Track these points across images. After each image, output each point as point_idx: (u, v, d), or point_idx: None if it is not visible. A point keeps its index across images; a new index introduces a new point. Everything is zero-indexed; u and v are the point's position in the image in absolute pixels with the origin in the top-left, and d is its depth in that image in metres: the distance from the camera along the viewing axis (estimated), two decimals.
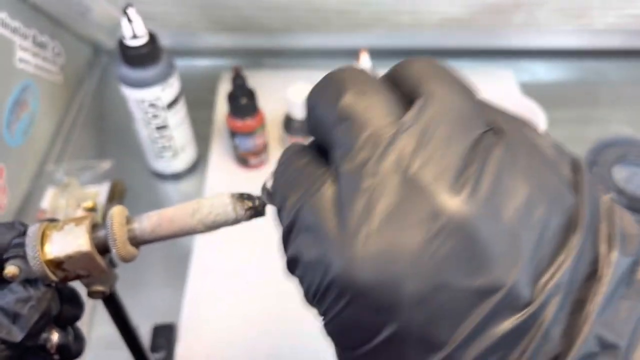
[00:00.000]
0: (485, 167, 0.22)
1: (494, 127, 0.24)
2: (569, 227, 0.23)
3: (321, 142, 0.27)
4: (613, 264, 0.22)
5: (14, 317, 0.35)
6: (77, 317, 0.41)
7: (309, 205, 0.25)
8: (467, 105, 0.25)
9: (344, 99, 0.25)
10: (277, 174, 0.29)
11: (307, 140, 0.30)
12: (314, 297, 0.25)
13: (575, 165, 0.25)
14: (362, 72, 0.27)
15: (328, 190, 0.25)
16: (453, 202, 0.21)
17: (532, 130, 0.26)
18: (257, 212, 0.38)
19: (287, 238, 0.26)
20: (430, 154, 0.22)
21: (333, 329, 0.25)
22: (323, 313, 0.25)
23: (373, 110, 0.24)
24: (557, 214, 0.23)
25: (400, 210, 0.22)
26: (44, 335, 0.37)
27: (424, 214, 0.22)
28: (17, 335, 0.35)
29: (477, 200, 0.22)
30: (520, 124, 0.26)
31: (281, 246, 0.27)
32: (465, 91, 0.26)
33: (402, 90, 0.26)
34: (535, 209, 0.22)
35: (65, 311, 0.39)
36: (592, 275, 0.22)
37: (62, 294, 0.40)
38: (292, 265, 0.26)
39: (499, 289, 0.21)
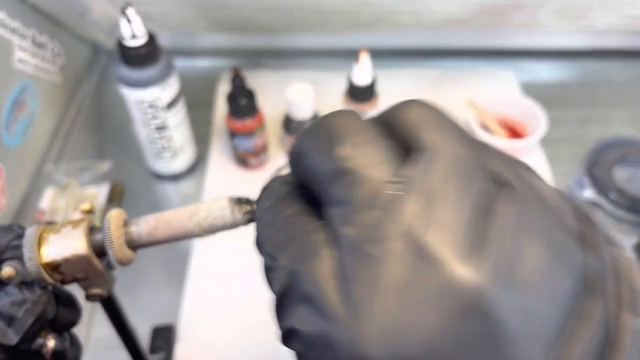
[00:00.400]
0: (494, 230, 0.21)
1: (497, 178, 0.23)
2: (583, 290, 0.21)
3: (312, 190, 0.25)
4: (631, 331, 0.21)
5: (9, 320, 0.35)
6: (74, 322, 0.41)
7: (306, 273, 0.22)
8: (469, 157, 0.23)
9: (340, 151, 0.23)
10: (263, 222, 0.27)
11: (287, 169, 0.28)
12: None
13: (580, 214, 0.23)
14: (356, 118, 0.25)
15: (327, 256, 0.22)
16: (465, 274, 0.20)
17: (533, 175, 0.24)
18: (255, 215, 0.37)
19: (280, 305, 0.24)
20: (437, 216, 0.21)
21: None
22: None
23: (372, 164, 0.23)
24: (570, 275, 0.21)
25: (410, 283, 0.20)
26: (40, 340, 0.37)
27: (436, 288, 0.20)
28: (12, 338, 0.35)
29: (489, 270, 0.20)
30: (521, 169, 0.24)
31: (273, 312, 0.25)
32: (465, 139, 0.24)
33: (399, 138, 0.24)
34: (549, 273, 0.21)
35: (62, 316, 0.39)
36: (605, 342, 0.21)
37: (59, 298, 0.39)
38: (289, 338, 0.24)
39: None
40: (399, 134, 0.24)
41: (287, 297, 0.23)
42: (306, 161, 0.25)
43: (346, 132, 0.24)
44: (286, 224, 0.25)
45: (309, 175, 0.25)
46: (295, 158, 0.26)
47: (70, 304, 0.41)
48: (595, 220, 0.23)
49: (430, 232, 0.20)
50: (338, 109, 0.26)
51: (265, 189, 0.29)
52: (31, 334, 0.36)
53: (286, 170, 0.33)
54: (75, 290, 0.41)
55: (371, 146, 0.23)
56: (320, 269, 0.22)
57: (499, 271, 0.20)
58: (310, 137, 0.25)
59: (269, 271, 0.25)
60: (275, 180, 0.29)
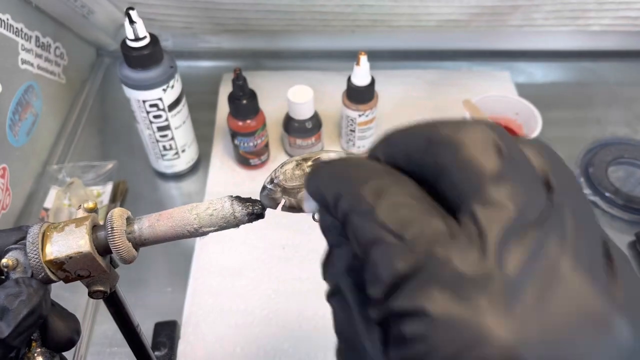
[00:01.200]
0: (625, 277, 0.22)
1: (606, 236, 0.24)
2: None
3: (426, 175, 0.25)
4: None
5: (2, 313, 0.35)
6: (71, 341, 0.40)
7: (448, 256, 0.22)
8: (591, 209, 0.25)
9: (505, 162, 0.23)
10: (362, 193, 0.24)
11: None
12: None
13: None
14: (507, 133, 0.25)
15: (472, 249, 0.22)
16: (611, 308, 0.21)
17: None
18: (255, 211, 0.38)
19: (402, 283, 0.22)
20: (583, 253, 0.22)
21: None
22: None
23: (529, 183, 0.23)
24: None
25: (559, 300, 0.21)
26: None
27: (583, 311, 0.21)
28: (3, 330, 0.34)
29: (629, 309, 0.22)
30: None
31: (381, 288, 0.23)
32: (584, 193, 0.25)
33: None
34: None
35: (59, 331, 0.39)
36: None
37: (60, 313, 0.40)
38: (403, 317, 0.22)
39: None
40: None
41: (415, 278, 0.22)
42: (450, 155, 0.24)
43: (504, 145, 0.24)
44: (408, 203, 0.24)
45: (447, 168, 0.24)
46: (423, 145, 0.25)
47: (70, 320, 0.40)
48: None
49: (577, 263, 0.22)
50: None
51: (341, 162, 0.27)
52: (23, 329, 0.35)
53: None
54: (78, 287, 0.41)
55: (526, 166, 0.24)
56: (466, 260, 0.21)
57: (628, 308, 0.21)
58: (457, 136, 0.24)
59: (378, 245, 0.23)
60: (356, 158, 0.28)
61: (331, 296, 0.28)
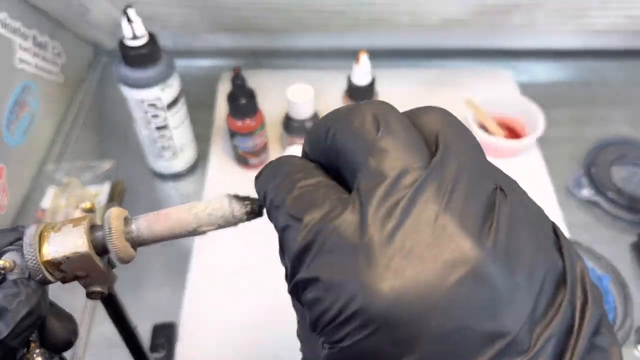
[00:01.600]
0: (500, 223, 0.24)
1: (499, 185, 0.26)
2: (557, 286, 0.25)
3: (332, 162, 0.29)
4: (588, 321, 0.25)
5: (1, 313, 0.34)
6: (69, 342, 0.40)
7: (333, 227, 0.25)
8: (482, 161, 0.27)
9: (381, 133, 0.26)
10: (279, 189, 0.29)
11: (294, 151, 0.31)
12: (329, 322, 0.25)
13: (557, 229, 0.28)
14: (392, 108, 0.28)
15: (353, 216, 0.25)
16: (479, 252, 0.23)
17: (523, 191, 0.28)
18: (254, 210, 0.38)
19: (301, 258, 0.26)
20: (457, 202, 0.24)
21: (343, 357, 0.25)
22: (337, 340, 0.25)
23: (406, 148, 0.26)
24: (551, 273, 0.25)
25: (430, 249, 0.23)
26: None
27: (453, 257, 0.23)
28: (2, 330, 0.34)
29: (498, 253, 0.24)
30: (516, 184, 0.28)
31: (289, 265, 0.27)
32: (479, 148, 0.28)
33: (422, 134, 0.27)
34: (538, 267, 0.25)
35: (58, 332, 0.38)
36: (569, 330, 0.25)
37: (58, 314, 0.39)
38: (305, 287, 0.26)
39: (507, 335, 0.23)
40: (423, 131, 0.27)
41: (309, 250, 0.26)
42: (340, 136, 0.28)
43: (384, 117, 0.27)
44: (308, 191, 0.28)
45: (343, 149, 0.28)
46: (324, 134, 0.29)
47: (67, 321, 0.40)
48: (566, 238, 0.27)
49: (451, 213, 0.24)
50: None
51: (273, 163, 0.31)
52: (22, 329, 0.34)
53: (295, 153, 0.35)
54: (76, 287, 0.41)
55: (405, 133, 0.26)
56: (346, 226, 0.25)
57: (504, 256, 0.24)
58: (345, 118, 0.28)
59: (286, 230, 0.27)
60: (285, 157, 0.32)
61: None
